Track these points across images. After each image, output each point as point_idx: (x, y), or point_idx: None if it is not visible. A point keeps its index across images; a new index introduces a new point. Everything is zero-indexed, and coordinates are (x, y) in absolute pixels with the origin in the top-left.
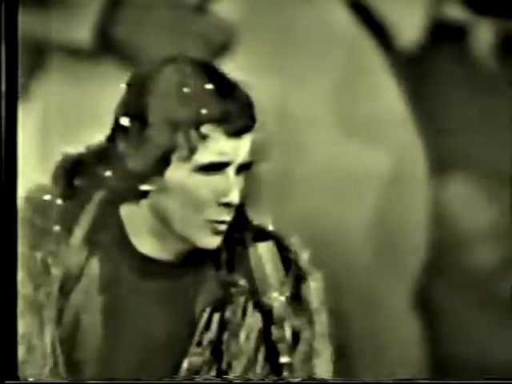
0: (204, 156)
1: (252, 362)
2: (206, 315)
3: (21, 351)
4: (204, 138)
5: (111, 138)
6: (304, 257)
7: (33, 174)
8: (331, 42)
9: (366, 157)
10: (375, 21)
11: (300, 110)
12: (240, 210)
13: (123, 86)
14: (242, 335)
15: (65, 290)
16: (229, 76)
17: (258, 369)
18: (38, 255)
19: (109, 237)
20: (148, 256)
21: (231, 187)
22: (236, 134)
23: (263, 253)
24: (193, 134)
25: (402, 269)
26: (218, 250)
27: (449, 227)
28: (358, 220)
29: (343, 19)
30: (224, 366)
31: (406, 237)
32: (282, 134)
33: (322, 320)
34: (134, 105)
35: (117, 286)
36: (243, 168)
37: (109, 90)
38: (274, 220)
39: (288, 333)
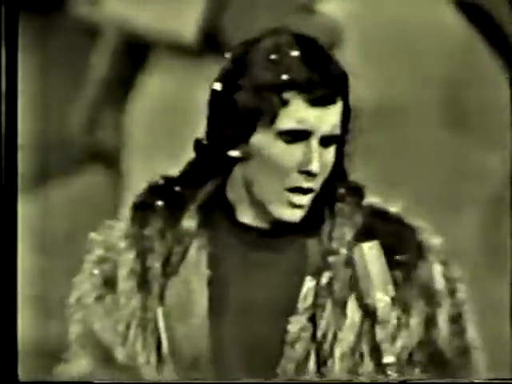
0: (285, 122)
1: (356, 361)
2: (306, 284)
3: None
4: (285, 104)
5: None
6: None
7: (139, 175)
8: (441, 42)
9: (476, 157)
10: (486, 20)
11: (409, 108)
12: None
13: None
14: (349, 312)
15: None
16: (327, 51)
17: (363, 368)
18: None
19: (217, 211)
20: (248, 225)
21: (312, 156)
22: (318, 103)
23: (368, 253)
24: (274, 99)
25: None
26: (319, 220)
27: None
28: (471, 219)
29: (453, 18)
30: (319, 333)
31: None
32: (389, 132)
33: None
34: (229, 72)
35: (224, 259)
36: (331, 140)
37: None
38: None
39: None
